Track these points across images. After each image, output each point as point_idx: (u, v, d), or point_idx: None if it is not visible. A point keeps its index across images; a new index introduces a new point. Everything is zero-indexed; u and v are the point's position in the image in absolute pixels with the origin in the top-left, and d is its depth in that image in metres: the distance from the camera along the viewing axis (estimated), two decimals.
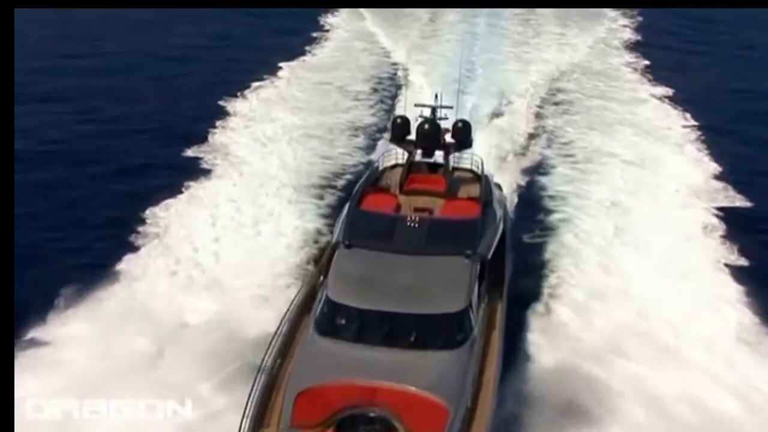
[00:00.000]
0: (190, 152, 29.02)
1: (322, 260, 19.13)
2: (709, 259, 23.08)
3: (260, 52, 41.43)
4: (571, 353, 18.56)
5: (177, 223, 23.99)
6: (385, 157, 23.11)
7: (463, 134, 22.01)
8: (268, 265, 21.73)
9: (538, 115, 34.56)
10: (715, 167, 29.21)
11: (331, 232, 19.68)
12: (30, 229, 23.42)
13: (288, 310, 17.25)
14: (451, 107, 22.10)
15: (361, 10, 49.75)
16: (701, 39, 48.19)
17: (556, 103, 36.19)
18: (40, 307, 18.95)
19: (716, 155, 30.14)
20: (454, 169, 22.19)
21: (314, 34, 45.09)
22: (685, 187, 27.70)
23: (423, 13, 49.34)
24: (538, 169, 29.44)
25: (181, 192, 25.76)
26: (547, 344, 18.97)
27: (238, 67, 39.25)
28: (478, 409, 15.02)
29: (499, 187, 24.24)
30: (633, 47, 44.53)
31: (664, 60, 41.61)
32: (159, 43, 43.92)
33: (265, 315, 18.89)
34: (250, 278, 21.11)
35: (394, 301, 16.25)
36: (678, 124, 33.57)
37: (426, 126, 21.36)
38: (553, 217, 25.65)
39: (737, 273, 22.25)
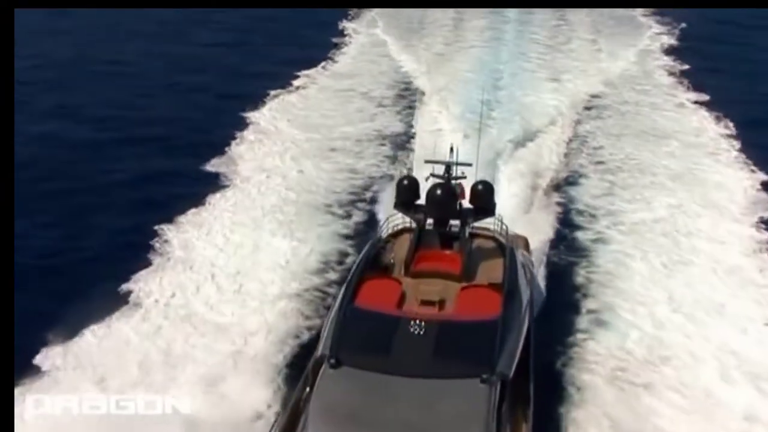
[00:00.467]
0: (204, 164, 27.81)
1: (306, 371, 15.22)
2: None
3: (278, 59, 40.19)
4: None
5: (190, 242, 22.78)
6: (390, 221, 19.76)
7: (484, 199, 18.53)
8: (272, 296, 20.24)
9: (574, 140, 31.27)
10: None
11: (319, 336, 15.98)
12: (34, 237, 22.97)
13: None
14: (469, 165, 18.74)
15: (378, 21, 47.74)
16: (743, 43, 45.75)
17: (591, 124, 32.63)
18: (42, 320, 18.27)
19: None
20: (472, 235, 18.71)
21: (334, 40, 43.65)
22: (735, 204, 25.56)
23: (446, 20, 47.15)
24: (571, 209, 25.62)
25: (196, 205, 24.58)
26: None
27: (254, 74, 38.08)
28: None
29: (525, 242, 21.05)
30: (673, 54, 41.78)
31: (709, 69, 38.98)
32: (173, 48, 42.90)
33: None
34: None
35: None
36: (727, 141, 30.80)
37: (438, 192, 17.97)
38: (595, 274, 21.51)
39: None
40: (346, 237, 23.42)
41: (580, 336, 19.18)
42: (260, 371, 17.53)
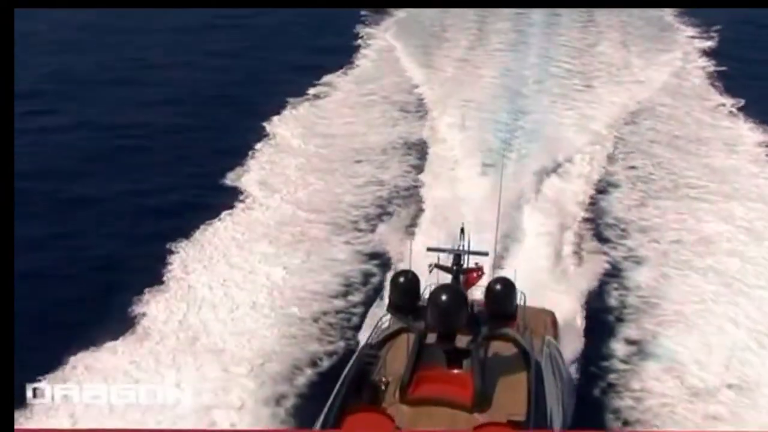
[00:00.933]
0: (220, 176, 26.72)
1: None
2: None
3: (295, 65, 39.15)
4: None
5: (202, 259, 21.88)
6: (382, 321, 16.14)
7: (503, 302, 14.43)
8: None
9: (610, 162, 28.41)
10: None
11: None
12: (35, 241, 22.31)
13: None
14: (485, 254, 15.28)
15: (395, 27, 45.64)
16: None
17: (629, 158, 28.70)
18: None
19: None
20: (486, 337, 14.55)
21: (353, 44, 42.38)
22: None
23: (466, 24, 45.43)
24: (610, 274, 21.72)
25: (209, 218, 23.67)
26: None
27: (272, 81, 37.02)
28: None
29: (552, 319, 17.47)
30: (709, 57, 39.34)
31: (746, 74, 36.89)
32: (188, 54, 41.88)
33: None
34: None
35: None
36: None
37: (444, 297, 13.65)
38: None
39: None
40: (371, 256, 22.33)
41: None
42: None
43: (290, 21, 46.93)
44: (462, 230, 15.23)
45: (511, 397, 13.84)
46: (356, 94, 35.28)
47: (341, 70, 37.89)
